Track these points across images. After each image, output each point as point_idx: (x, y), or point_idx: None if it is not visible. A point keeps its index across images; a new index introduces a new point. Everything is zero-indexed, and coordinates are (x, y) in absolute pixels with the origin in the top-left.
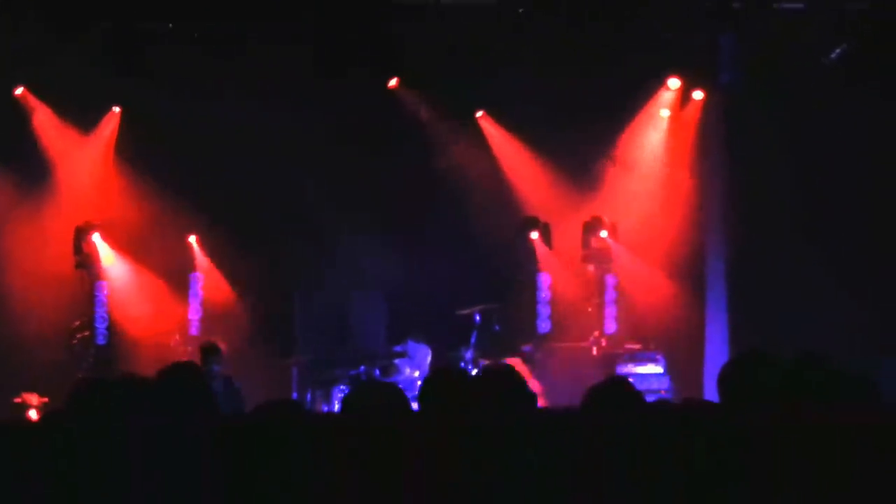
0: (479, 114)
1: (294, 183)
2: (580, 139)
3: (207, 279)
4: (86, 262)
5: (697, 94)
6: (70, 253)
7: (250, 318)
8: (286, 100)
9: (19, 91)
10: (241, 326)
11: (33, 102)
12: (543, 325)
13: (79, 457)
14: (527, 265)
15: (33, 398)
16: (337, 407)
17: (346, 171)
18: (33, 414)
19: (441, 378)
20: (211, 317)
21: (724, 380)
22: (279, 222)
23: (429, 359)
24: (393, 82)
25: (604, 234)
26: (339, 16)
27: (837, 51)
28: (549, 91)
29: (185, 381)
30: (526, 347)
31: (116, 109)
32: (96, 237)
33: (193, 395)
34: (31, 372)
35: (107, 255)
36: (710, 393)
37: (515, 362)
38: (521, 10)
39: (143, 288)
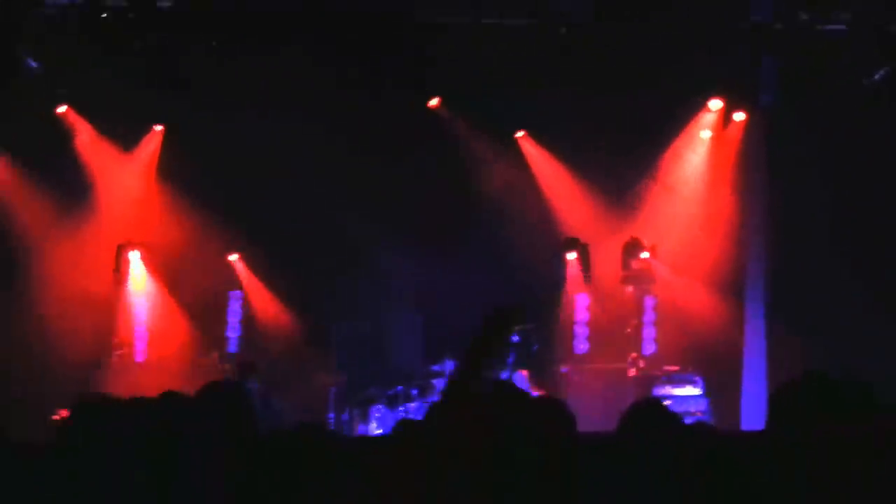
0: (520, 134)
1: (333, 202)
2: (621, 160)
3: (246, 298)
4: (126, 280)
5: (739, 115)
6: (110, 270)
7: (289, 338)
8: (327, 118)
9: (62, 109)
10: (279, 345)
11: (75, 120)
12: (581, 346)
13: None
14: (565, 286)
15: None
16: (374, 426)
17: (385, 190)
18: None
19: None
20: (249, 335)
21: (776, 400)
22: (318, 242)
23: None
24: (434, 101)
25: (644, 255)
26: (382, 34)
27: (881, 72)
28: (590, 112)
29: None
30: (563, 368)
31: (158, 128)
32: (136, 255)
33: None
34: (70, 389)
35: (146, 274)
36: (747, 414)
37: (522, 376)
38: (563, 31)
39: (182, 306)
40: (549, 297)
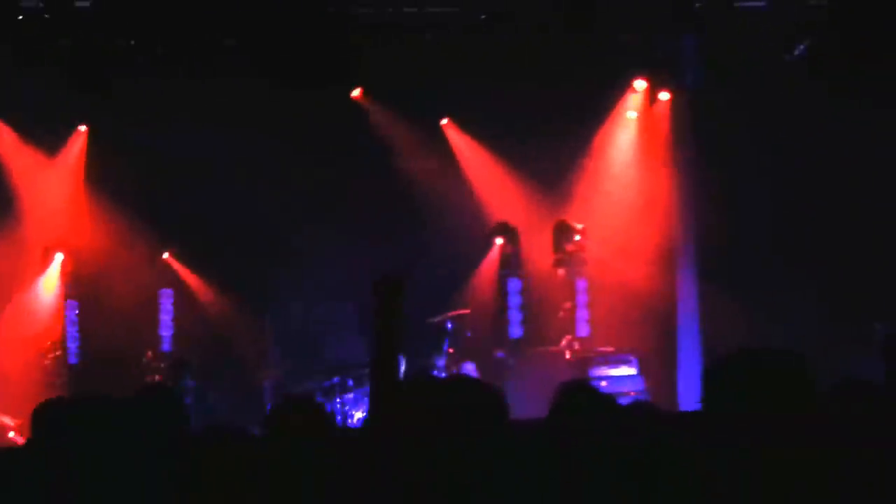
0: (444, 122)
1: (262, 196)
2: (548, 145)
3: (179, 295)
4: (57, 282)
5: (664, 95)
6: (40, 274)
7: (222, 334)
8: (250, 113)
9: None
10: (213, 341)
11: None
12: (515, 331)
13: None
14: (497, 271)
15: (8, 419)
16: None
17: (311, 183)
18: (12, 435)
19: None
20: (183, 333)
21: (708, 378)
22: (249, 237)
23: (402, 367)
24: (356, 92)
25: (575, 237)
26: (300, 28)
27: (801, 47)
28: (515, 98)
29: (159, 401)
30: (499, 353)
31: (82, 128)
32: (59, 257)
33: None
34: (4, 393)
35: (63, 275)
36: (685, 392)
37: (471, 367)
38: (482, 17)
39: (113, 306)
40: (481, 283)
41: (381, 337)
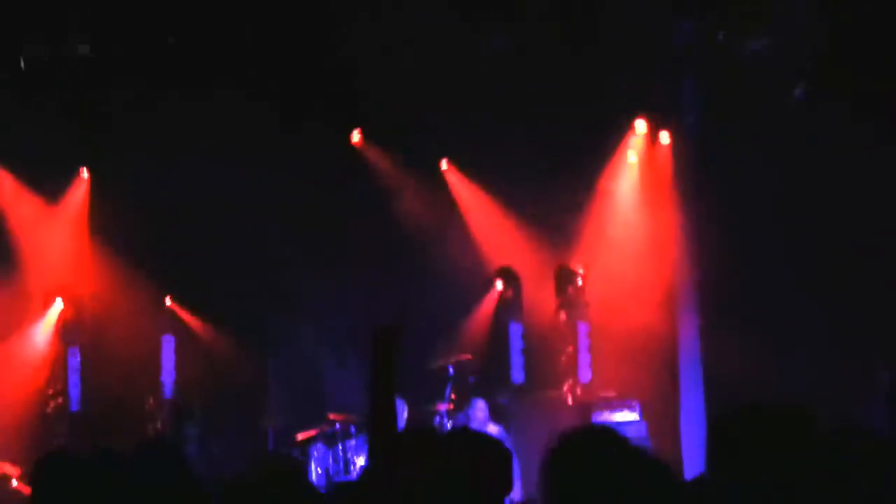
0: (444, 166)
1: (261, 242)
2: (549, 188)
3: (181, 342)
4: (58, 329)
5: (664, 137)
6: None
7: (225, 380)
8: (249, 159)
9: None
10: (215, 388)
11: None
12: (518, 375)
13: None
14: (499, 316)
15: (9, 468)
16: (314, 466)
17: (312, 228)
18: (15, 484)
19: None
20: (185, 380)
21: (713, 436)
22: (249, 283)
23: (405, 413)
24: (355, 136)
25: (577, 281)
26: (299, 71)
27: (801, 89)
28: (516, 140)
29: (160, 459)
30: (501, 398)
31: (84, 174)
32: (58, 304)
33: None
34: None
35: (77, 321)
36: (687, 439)
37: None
38: (484, 58)
39: (115, 353)
40: (480, 328)
41: (377, 387)
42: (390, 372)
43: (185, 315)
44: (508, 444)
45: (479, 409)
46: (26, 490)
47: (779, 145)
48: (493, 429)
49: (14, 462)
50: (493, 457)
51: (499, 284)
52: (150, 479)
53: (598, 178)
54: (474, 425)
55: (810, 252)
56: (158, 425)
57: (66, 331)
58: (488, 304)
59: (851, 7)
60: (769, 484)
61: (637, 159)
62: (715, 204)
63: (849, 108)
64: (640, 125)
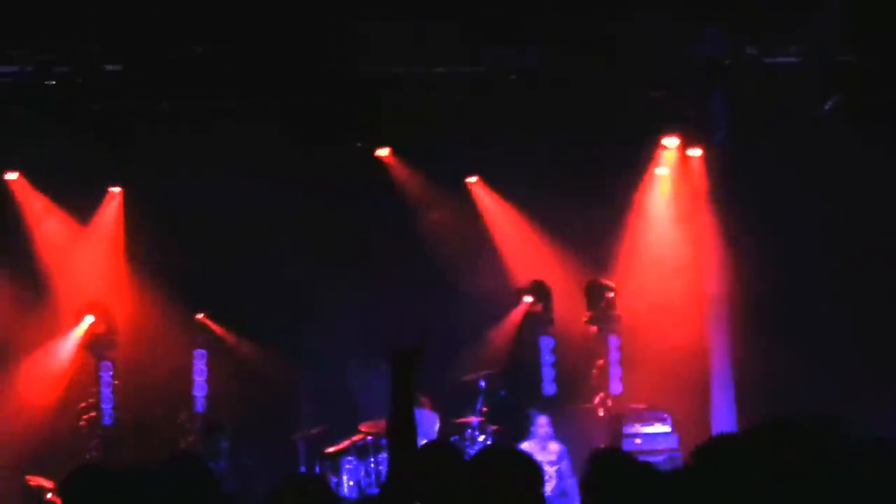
0: (473, 179)
1: (292, 256)
2: (578, 202)
3: (211, 357)
4: (90, 343)
5: (695, 151)
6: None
7: (255, 394)
8: (278, 173)
9: (13, 176)
10: (246, 402)
11: (27, 191)
12: (549, 388)
13: None
14: (528, 329)
15: (43, 481)
16: (346, 478)
17: (342, 242)
18: (48, 496)
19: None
20: (217, 393)
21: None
22: (280, 297)
23: (436, 426)
24: (383, 151)
25: (608, 294)
26: (327, 87)
27: (831, 102)
28: (543, 156)
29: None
30: (532, 411)
31: (116, 190)
32: (97, 319)
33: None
34: (38, 453)
35: (110, 336)
36: None
37: (546, 420)
38: (512, 77)
39: (147, 367)
40: (514, 342)
41: (396, 407)
42: (409, 393)
43: (216, 329)
44: (568, 461)
45: (542, 425)
46: (59, 503)
47: (809, 158)
48: (554, 446)
49: (47, 476)
50: (522, 474)
51: (527, 298)
52: (178, 493)
53: (628, 192)
54: (536, 441)
55: (840, 265)
56: (190, 439)
57: (98, 345)
58: (515, 318)
59: (882, 19)
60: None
61: (667, 173)
62: (745, 217)
63: (879, 119)
64: (671, 140)
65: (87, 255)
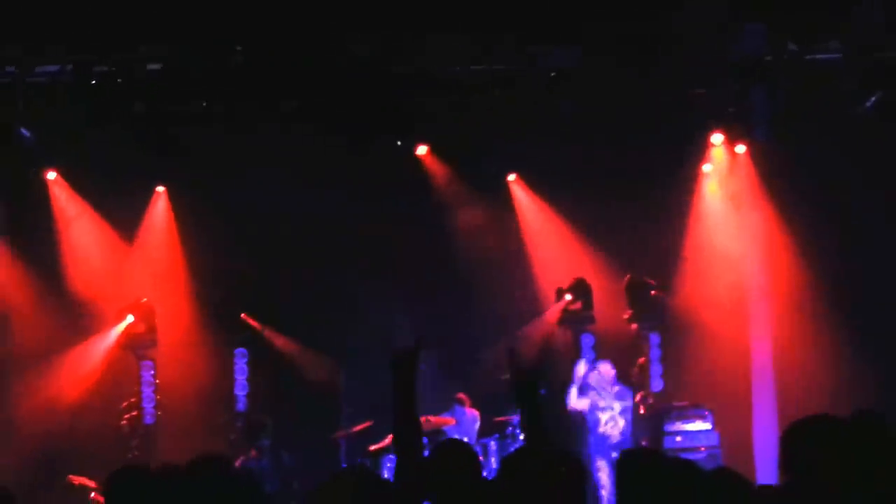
0: (512, 178)
1: (332, 255)
2: (619, 199)
3: (252, 355)
4: (130, 343)
5: (739, 148)
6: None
7: (297, 393)
8: (318, 171)
9: (51, 176)
10: (288, 400)
11: (69, 190)
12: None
13: None
14: (567, 327)
15: (87, 481)
16: (386, 476)
17: (382, 244)
18: (92, 495)
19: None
20: (258, 392)
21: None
22: (321, 295)
23: (477, 425)
24: (422, 150)
25: (648, 292)
26: (366, 87)
27: (872, 99)
28: (586, 153)
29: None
30: (574, 409)
31: (160, 188)
32: (138, 319)
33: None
34: (80, 453)
35: (151, 335)
36: (760, 448)
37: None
38: (552, 75)
39: (189, 367)
40: (554, 339)
41: (399, 406)
42: (410, 391)
43: (257, 328)
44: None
45: (606, 371)
46: (102, 501)
47: (850, 155)
48: (617, 388)
49: (89, 475)
50: (565, 474)
51: (568, 296)
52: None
53: (670, 190)
54: (598, 389)
55: (881, 260)
56: (232, 438)
57: (139, 345)
58: (555, 316)
59: None
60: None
61: (708, 171)
62: (786, 213)
63: None
64: (717, 137)
65: (128, 254)
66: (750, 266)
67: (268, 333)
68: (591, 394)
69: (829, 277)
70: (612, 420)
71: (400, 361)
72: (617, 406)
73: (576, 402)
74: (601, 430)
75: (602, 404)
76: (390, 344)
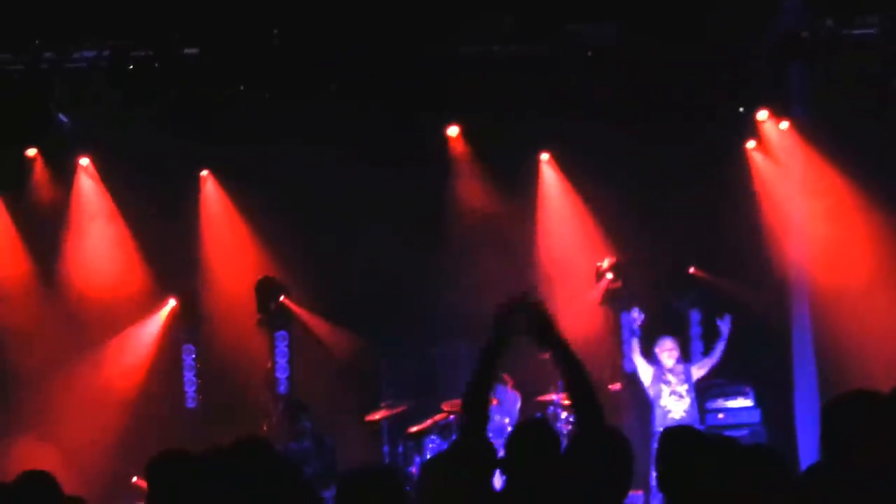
0: (546, 157)
1: (371, 237)
2: (657, 176)
3: (293, 338)
4: (172, 327)
5: (783, 125)
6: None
7: (339, 374)
8: (351, 154)
9: (84, 162)
10: (329, 383)
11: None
12: (630, 364)
13: None
14: (608, 306)
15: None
16: (428, 458)
17: (421, 224)
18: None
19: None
20: (300, 374)
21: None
22: (361, 277)
23: (518, 405)
24: (454, 131)
25: (686, 270)
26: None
27: None
28: (622, 133)
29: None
30: (614, 386)
31: (203, 173)
32: (180, 302)
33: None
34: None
35: (192, 319)
36: (802, 424)
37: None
38: (588, 54)
39: (230, 350)
40: (588, 318)
41: (484, 357)
42: (499, 352)
43: (297, 311)
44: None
45: (670, 347)
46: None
47: (888, 130)
48: (681, 368)
49: (131, 458)
50: (615, 457)
51: (608, 275)
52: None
53: (707, 167)
54: (661, 368)
55: None
56: (273, 421)
57: (180, 329)
58: (596, 295)
59: None
60: (884, 469)
61: (749, 148)
62: (827, 189)
63: None
64: (762, 114)
65: (169, 238)
66: (789, 243)
67: (307, 315)
68: (656, 368)
69: (870, 251)
70: (676, 395)
71: (504, 317)
72: (681, 387)
73: (639, 359)
74: (663, 402)
75: (667, 377)
76: (431, 327)
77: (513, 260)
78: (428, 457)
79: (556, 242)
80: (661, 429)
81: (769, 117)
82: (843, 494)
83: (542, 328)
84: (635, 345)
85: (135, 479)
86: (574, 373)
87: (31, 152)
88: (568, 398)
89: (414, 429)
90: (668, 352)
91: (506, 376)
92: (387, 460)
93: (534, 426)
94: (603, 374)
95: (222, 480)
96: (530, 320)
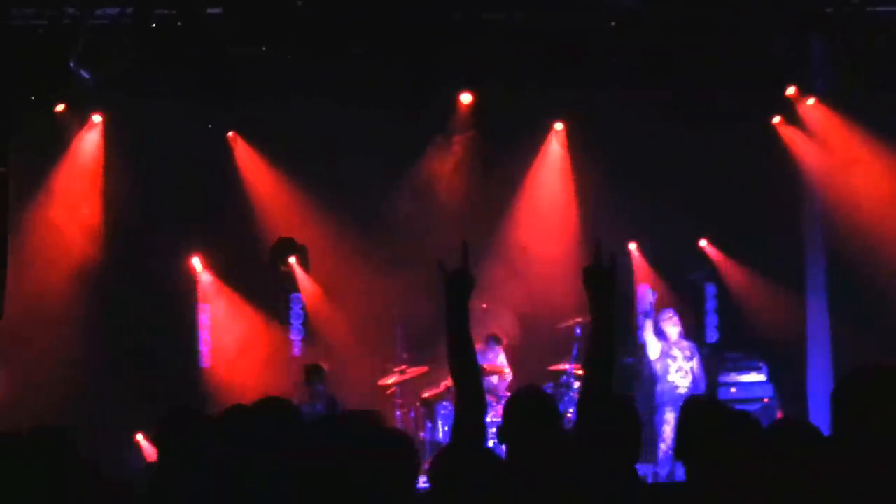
0: (559, 126)
1: (384, 194)
2: (678, 150)
3: (308, 299)
4: (189, 287)
5: (809, 101)
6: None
7: (351, 337)
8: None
9: (97, 119)
10: (342, 345)
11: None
12: (641, 337)
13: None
14: (626, 277)
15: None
16: (441, 423)
17: (432, 184)
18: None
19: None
20: (312, 337)
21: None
22: (376, 240)
23: (500, 357)
24: (466, 98)
25: (700, 244)
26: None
27: None
28: (646, 105)
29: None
30: (626, 360)
31: (230, 133)
32: (196, 262)
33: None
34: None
35: (207, 279)
36: (814, 399)
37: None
38: (612, 24)
39: (244, 311)
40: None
41: (452, 327)
42: (464, 315)
43: (311, 273)
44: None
45: (670, 317)
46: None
47: None
48: (686, 343)
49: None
50: (623, 424)
51: (630, 245)
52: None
53: (726, 145)
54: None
55: None
56: (293, 382)
57: (199, 289)
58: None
59: None
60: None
61: (778, 122)
62: (843, 169)
63: None
64: (789, 90)
65: (190, 199)
66: (806, 218)
67: (321, 279)
68: (664, 344)
69: (887, 231)
70: (682, 371)
71: (453, 282)
72: (687, 364)
73: (650, 337)
74: (670, 378)
75: (673, 353)
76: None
77: (527, 231)
78: (440, 422)
79: (573, 213)
80: (665, 403)
81: (795, 93)
82: (854, 469)
83: (608, 276)
84: (648, 325)
85: (139, 436)
86: (607, 332)
87: (60, 107)
88: (588, 357)
89: (426, 394)
90: (670, 321)
91: (499, 334)
92: (398, 425)
93: (531, 395)
94: (620, 346)
95: (244, 440)
96: None
